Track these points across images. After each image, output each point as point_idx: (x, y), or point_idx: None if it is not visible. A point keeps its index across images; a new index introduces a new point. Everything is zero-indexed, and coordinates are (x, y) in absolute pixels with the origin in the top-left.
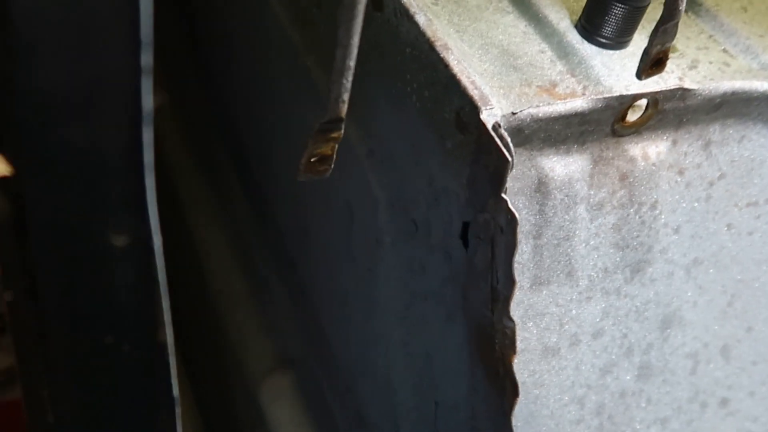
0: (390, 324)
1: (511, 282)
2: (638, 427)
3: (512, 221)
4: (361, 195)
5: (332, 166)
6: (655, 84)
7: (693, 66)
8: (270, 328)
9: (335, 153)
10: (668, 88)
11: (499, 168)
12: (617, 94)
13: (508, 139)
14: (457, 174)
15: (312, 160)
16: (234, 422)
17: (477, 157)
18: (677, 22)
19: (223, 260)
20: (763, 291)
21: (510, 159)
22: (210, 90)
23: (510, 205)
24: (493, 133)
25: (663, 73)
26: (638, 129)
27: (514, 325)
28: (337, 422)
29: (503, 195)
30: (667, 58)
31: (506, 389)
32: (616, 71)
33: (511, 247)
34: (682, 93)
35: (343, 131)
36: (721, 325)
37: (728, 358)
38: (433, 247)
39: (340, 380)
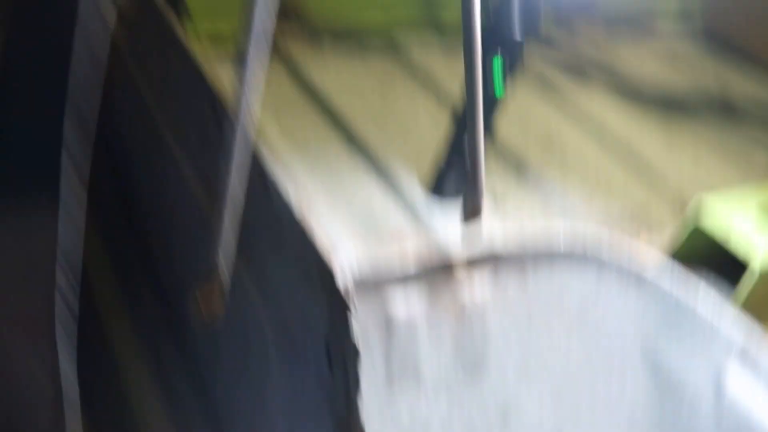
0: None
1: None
2: None
3: (355, 354)
4: (251, 330)
5: (223, 308)
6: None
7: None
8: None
9: (224, 297)
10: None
11: (344, 313)
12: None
13: (353, 293)
14: (317, 305)
15: (203, 301)
16: None
17: (329, 299)
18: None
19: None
20: (589, 378)
21: (351, 309)
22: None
23: (354, 339)
24: (339, 288)
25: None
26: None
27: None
28: None
29: (349, 337)
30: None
31: None
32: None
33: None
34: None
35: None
36: (550, 417)
37: None
38: (310, 366)
39: None
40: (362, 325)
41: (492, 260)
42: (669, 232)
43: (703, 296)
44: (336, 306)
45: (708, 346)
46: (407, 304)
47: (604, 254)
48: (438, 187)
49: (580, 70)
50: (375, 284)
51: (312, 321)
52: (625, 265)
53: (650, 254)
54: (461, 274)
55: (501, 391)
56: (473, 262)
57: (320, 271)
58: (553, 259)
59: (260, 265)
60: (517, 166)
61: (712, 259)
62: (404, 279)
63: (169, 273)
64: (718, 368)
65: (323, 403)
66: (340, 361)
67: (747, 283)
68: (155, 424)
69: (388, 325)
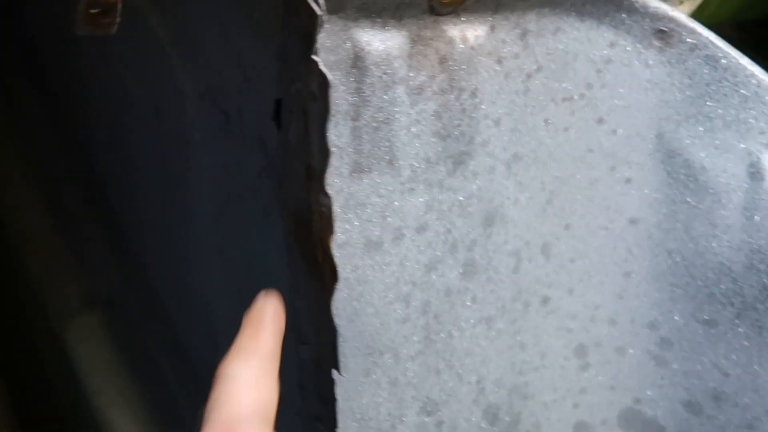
0: (205, 232)
1: (325, 153)
2: (464, 326)
3: (324, 84)
4: (167, 90)
5: (118, 20)
6: None
7: None
8: (77, 266)
9: (120, 2)
10: None
11: (309, 25)
12: None
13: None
14: (267, 46)
15: (92, 10)
16: (39, 370)
17: (286, 21)
18: None
19: (22, 192)
20: (578, 188)
21: (319, 13)
22: None
23: (322, 67)
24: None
25: None
26: (456, 9)
27: (330, 200)
28: (155, 357)
29: (314, 57)
30: None
31: (326, 276)
32: None
33: (325, 113)
34: None
35: None
36: (542, 223)
37: (548, 256)
38: (246, 137)
39: (156, 313)
40: (327, 64)
41: None
42: None
43: (744, 63)
44: (292, 29)
45: (746, 124)
46: (383, 42)
47: (622, 8)
48: None
49: None
50: (341, 5)
51: (250, 65)
52: (648, 26)
53: (678, 14)
54: (447, 11)
55: (486, 191)
56: None
57: None
58: (560, 11)
59: (173, 2)
60: None
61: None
62: (379, 7)
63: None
64: (758, 150)
65: (265, 179)
66: (297, 111)
67: None
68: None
69: (358, 66)
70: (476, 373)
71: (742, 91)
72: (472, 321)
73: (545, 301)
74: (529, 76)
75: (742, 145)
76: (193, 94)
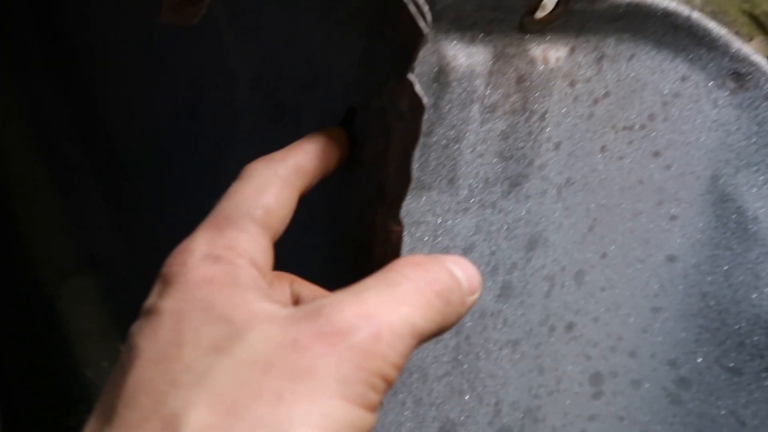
0: None
1: (406, 180)
2: (492, 348)
3: (418, 107)
4: (213, 69)
5: (204, 10)
6: None
7: None
8: (74, 223)
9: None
10: None
11: (409, 42)
12: None
13: (425, 8)
14: (347, 49)
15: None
16: (29, 333)
17: (377, 29)
18: None
19: (16, 139)
20: (622, 218)
21: (425, 31)
22: None
23: (418, 89)
24: None
25: None
26: (544, 27)
27: (402, 228)
28: None
29: (409, 76)
30: None
31: None
32: None
33: (413, 138)
34: None
35: None
36: (580, 250)
37: (581, 283)
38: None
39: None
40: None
41: (577, 20)
42: None
43: None
44: (384, 39)
45: None
46: (468, 57)
47: (702, 44)
48: None
49: None
50: (438, 15)
51: (322, 65)
52: (725, 65)
53: (760, 58)
54: (535, 29)
55: (534, 214)
56: (556, 15)
57: None
58: (639, 38)
59: None
60: None
61: None
62: (472, 20)
63: None
64: None
65: (318, 184)
66: (378, 128)
67: None
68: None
69: (440, 80)
70: (495, 396)
71: None
72: (499, 344)
73: (570, 327)
74: (596, 101)
75: None
76: (245, 80)
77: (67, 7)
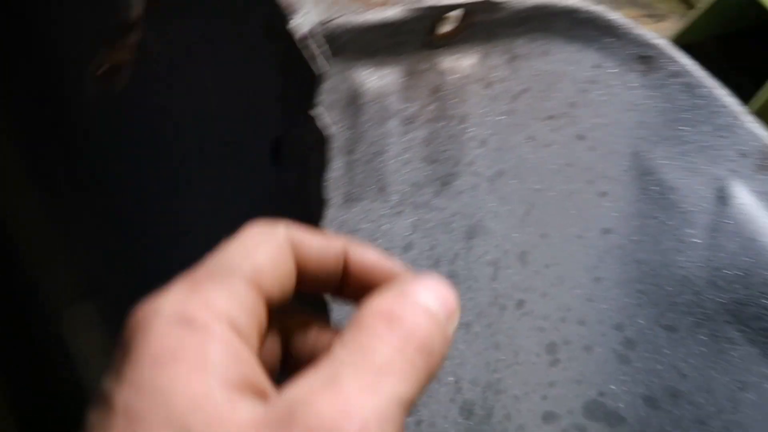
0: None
1: (320, 202)
2: None
3: (322, 139)
4: (166, 113)
5: (128, 76)
6: None
7: None
8: (70, 254)
9: (131, 63)
10: (478, 0)
11: (308, 81)
12: (430, 4)
13: (317, 51)
14: (270, 87)
15: (103, 69)
16: (34, 361)
17: (288, 69)
18: None
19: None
20: (556, 199)
21: (320, 72)
22: None
23: (320, 122)
24: (302, 44)
25: None
26: (450, 41)
27: None
28: None
29: (313, 112)
30: None
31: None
32: None
33: (321, 165)
34: (491, 5)
35: (139, 37)
36: (520, 233)
37: (525, 263)
38: (250, 166)
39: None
40: (328, 102)
41: (483, 29)
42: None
43: (719, 94)
44: (293, 78)
45: (717, 150)
46: (380, 79)
47: (609, 33)
48: None
49: None
50: (341, 49)
51: (253, 101)
52: (632, 51)
53: (661, 41)
54: (442, 44)
55: (469, 207)
56: (459, 29)
57: (273, 29)
58: (549, 35)
59: (168, 25)
60: None
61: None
62: (377, 47)
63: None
64: (726, 176)
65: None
66: (296, 156)
67: None
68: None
69: (355, 103)
70: (454, 374)
71: (715, 119)
72: None
73: (520, 304)
74: (515, 97)
75: (711, 170)
76: (187, 116)
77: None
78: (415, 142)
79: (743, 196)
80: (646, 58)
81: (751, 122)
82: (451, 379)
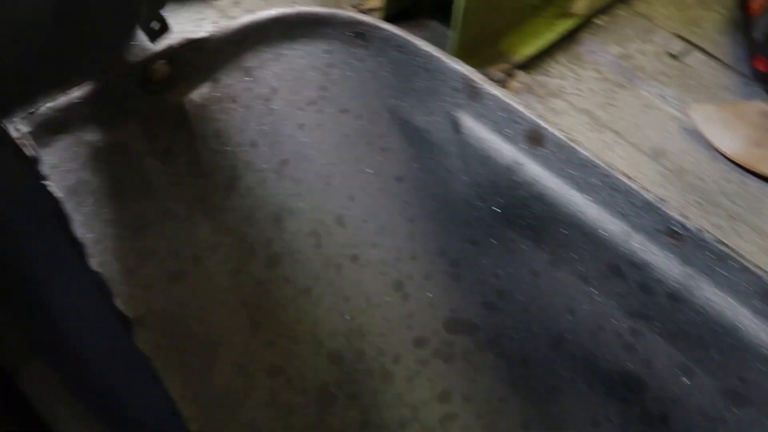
0: None
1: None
2: (285, 303)
3: (57, 202)
4: None
5: None
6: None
7: (237, 3)
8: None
9: None
10: (179, 45)
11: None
12: (135, 60)
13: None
14: None
15: None
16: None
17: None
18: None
19: None
20: (348, 165)
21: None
22: None
23: (50, 189)
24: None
25: (205, 20)
26: (173, 81)
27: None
28: None
29: (44, 182)
30: (165, 26)
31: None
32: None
33: (65, 218)
34: (195, 42)
35: None
36: (328, 202)
37: (344, 224)
38: None
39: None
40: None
41: (202, 62)
42: None
43: (421, 46)
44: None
45: (439, 91)
46: (114, 132)
47: (323, 23)
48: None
49: None
50: (66, 125)
51: None
52: (348, 31)
53: (366, 17)
54: (164, 88)
55: (266, 197)
56: (166, 73)
57: None
58: (273, 41)
59: None
60: None
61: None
62: (104, 112)
63: None
64: (452, 110)
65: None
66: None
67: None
68: None
69: (98, 158)
70: (309, 333)
71: (427, 66)
72: (291, 296)
73: (354, 258)
74: (268, 99)
75: (442, 108)
76: None
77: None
78: (181, 167)
79: (468, 122)
80: (361, 34)
81: (450, 61)
82: (308, 337)
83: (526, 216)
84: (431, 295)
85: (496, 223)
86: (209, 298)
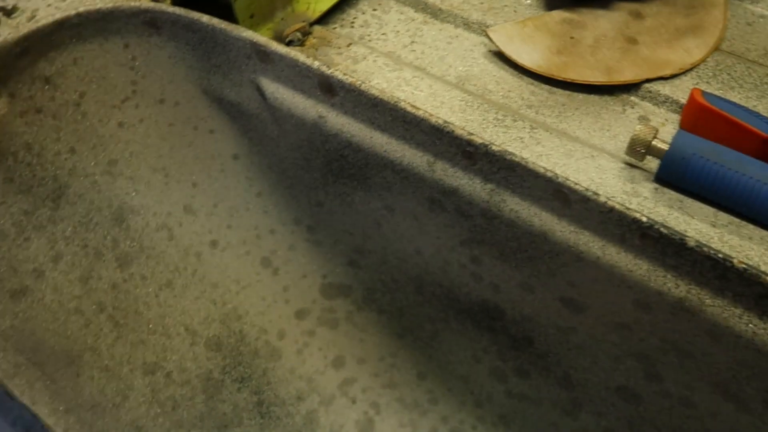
0: None
1: None
2: (148, 299)
3: None
4: None
5: None
6: None
7: (33, 18)
8: None
9: None
10: None
11: None
12: None
13: None
14: None
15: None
16: None
17: None
18: None
19: None
20: (180, 153)
21: None
22: None
23: None
24: None
25: None
26: None
27: None
28: None
29: None
30: None
31: None
32: None
33: None
34: None
35: None
36: (171, 193)
37: (194, 212)
38: None
39: None
40: None
41: None
42: None
43: (205, 21)
44: None
45: (236, 62)
46: None
47: (111, 19)
48: None
49: None
50: None
51: None
52: (140, 20)
53: (151, 4)
54: None
55: (100, 200)
56: None
57: None
58: (63, 47)
59: None
60: None
61: None
62: None
63: None
64: (254, 77)
65: None
66: None
67: None
68: None
69: None
70: (182, 325)
71: (217, 40)
72: (152, 292)
73: (214, 244)
74: (77, 103)
75: (245, 78)
76: None
77: None
78: None
79: (268, 86)
80: (150, 21)
81: (234, 30)
82: (180, 329)
83: (346, 167)
84: (300, 265)
85: (327, 180)
86: (61, 309)
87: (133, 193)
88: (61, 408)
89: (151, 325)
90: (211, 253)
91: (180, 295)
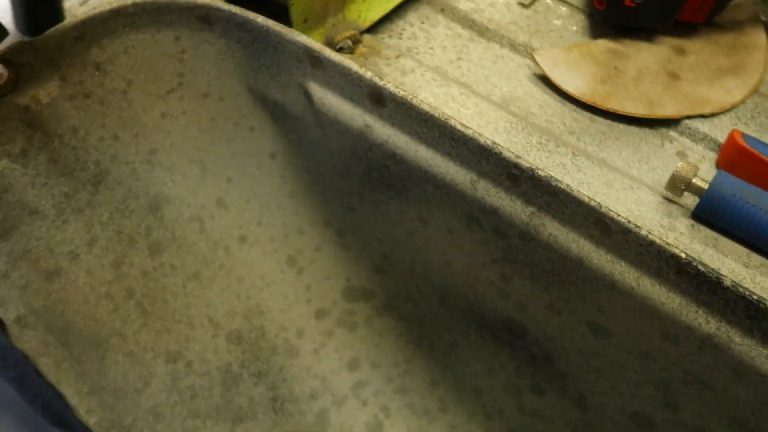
0: None
1: None
2: (175, 289)
3: None
4: None
5: None
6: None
7: (84, 2)
8: None
9: None
10: (8, 48)
11: None
12: None
13: None
14: None
15: None
16: None
17: None
18: None
19: None
20: (221, 147)
21: None
22: None
23: None
24: None
25: None
26: (18, 84)
27: None
28: None
29: None
30: (4, 30)
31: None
32: None
33: None
34: (26, 44)
35: None
36: (206, 186)
37: (226, 207)
38: None
39: None
40: None
41: (40, 64)
42: None
43: (260, 21)
44: None
45: (286, 64)
46: None
47: (164, 10)
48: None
49: None
50: None
51: None
52: (192, 14)
53: (216, 3)
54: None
55: (138, 188)
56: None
57: None
58: (116, 35)
59: None
60: None
61: None
62: None
63: None
64: (302, 81)
65: None
66: None
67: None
68: None
69: None
70: (206, 316)
71: (270, 41)
72: (179, 283)
73: (242, 239)
74: (124, 91)
75: (293, 80)
76: None
77: None
78: (41, 166)
79: (317, 91)
80: (204, 17)
81: (288, 33)
82: (204, 320)
83: (386, 177)
84: (324, 267)
85: (365, 187)
86: (92, 293)
87: (170, 183)
88: (84, 390)
89: (176, 315)
90: (239, 248)
91: (206, 287)
